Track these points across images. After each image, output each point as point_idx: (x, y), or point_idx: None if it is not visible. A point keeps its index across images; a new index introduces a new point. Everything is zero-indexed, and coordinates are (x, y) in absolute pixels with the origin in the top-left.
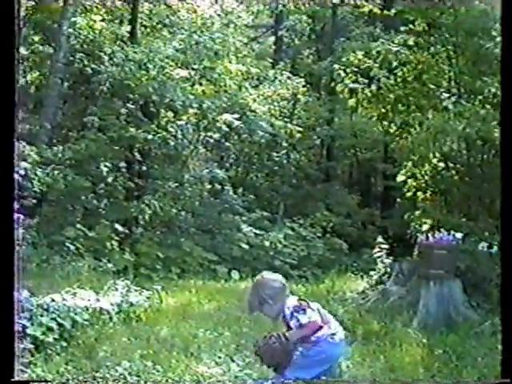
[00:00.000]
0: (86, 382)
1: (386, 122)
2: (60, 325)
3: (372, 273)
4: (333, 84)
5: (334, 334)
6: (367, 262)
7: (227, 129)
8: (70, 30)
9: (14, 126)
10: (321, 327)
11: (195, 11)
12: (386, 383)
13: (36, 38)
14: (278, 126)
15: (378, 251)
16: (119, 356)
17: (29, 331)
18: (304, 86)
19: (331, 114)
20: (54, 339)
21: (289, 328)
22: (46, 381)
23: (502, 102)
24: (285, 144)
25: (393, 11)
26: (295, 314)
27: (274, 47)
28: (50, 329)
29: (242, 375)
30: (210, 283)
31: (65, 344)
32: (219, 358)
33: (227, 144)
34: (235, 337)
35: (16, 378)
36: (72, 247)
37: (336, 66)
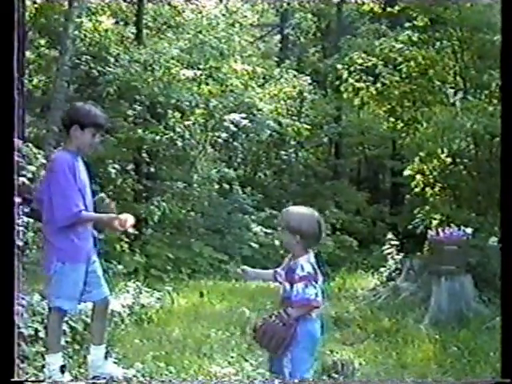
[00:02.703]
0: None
1: (392, 119)
2: (72, 328)
3: (382, 269)
4: (338, 82)
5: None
6: (377, 259)
7: (235, 128)
8: (76, 33)
9: (13, 126)
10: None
11: (200, 11)
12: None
13: (42, 42)
14: (285, 125)
15: (389, 248)
16: (131, 358)
17: (41, 335)
18: (310, 84)
19: (338, 111)
20: (67, 342)
21: (290, 280)
22: (45, 381)
23: (502, 99)
24: (292, 142)
25: (396, 8)
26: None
27: (279, 46)
28: (63, 332)
29: (255, 374)
30: (220, 283)
31: (77, 347)
32: (232, 357)
33: (235, 143)
34: (247, 336)
35: (16, 379)
36: None
37: (339, 66)
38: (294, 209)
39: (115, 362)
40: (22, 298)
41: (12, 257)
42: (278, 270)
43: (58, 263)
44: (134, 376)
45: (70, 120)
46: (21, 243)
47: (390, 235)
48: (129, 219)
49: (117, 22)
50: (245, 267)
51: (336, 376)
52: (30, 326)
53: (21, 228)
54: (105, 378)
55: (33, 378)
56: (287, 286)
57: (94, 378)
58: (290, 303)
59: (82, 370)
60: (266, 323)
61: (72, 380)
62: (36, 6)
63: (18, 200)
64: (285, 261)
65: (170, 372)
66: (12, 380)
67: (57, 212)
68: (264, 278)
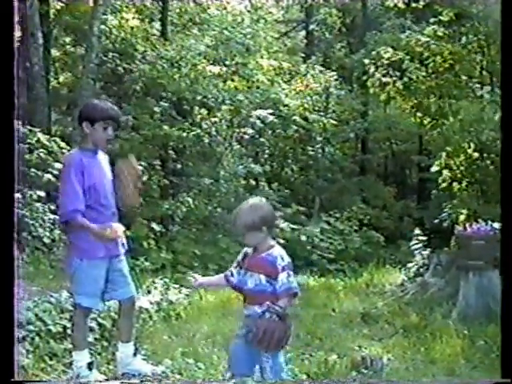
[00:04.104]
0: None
1: (419, 114)
2: (100, 325)
3: (410, 265)
4: (365, 77)
5: None
6: (405, 254)
7: (261, 124)
8: (101, 30)
9: (13, 127)
10: None
11: (225, 8)
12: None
13: (67, 40)
14: (311, 120)
15: (416, 243)
16: (160, 354)
17: (70, 332)
18: (336, 80)
19: (365, 106)
20: (95, 339)
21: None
22: (45, 381)
23: (502, 102)
24: (319, 138)
25: (421, 3)
26: (288, 272)
27: (305, 41)
28: (90, 329)
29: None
30: None
31: (106, 344)
32: None
33: (261, 139)
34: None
35: (16, 378)
36: None
37: (366, 61)
38: (242, 207)
39: (144, 359)
40: (51, 296)
41: (12, 257)
42: (233, 270)
43: (77, 260)
44: (163, 372)
45: (80, 117)
46: (48, 240)
47: (417, 230)
48: (119, 229)
49: (142, 20)
50: (195, 275)
51: (365, 371)
52: (57, 324)
53: (47, 225)
54: (134, 375)
55: (40, 378)
56: (262, 279)
57: (123, 374)
58: (270, 296)
59: (110, 367)
60: (264, 323)
61: (101, 380)
62: (61, 4)
63: (43, 195)
64: (238, 259)
65: (199, 368)
66: (12, 380)
67: (59, 209)
68: (216, 284)
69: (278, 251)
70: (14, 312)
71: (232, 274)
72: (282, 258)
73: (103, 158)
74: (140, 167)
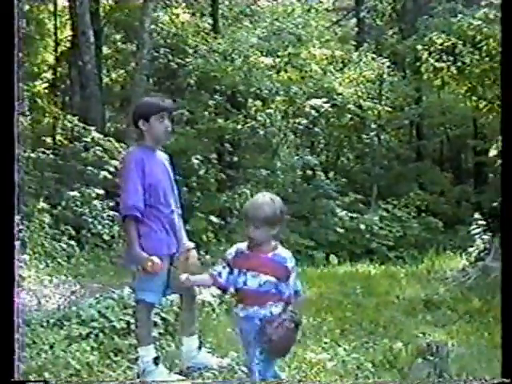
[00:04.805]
0: (87, 381)
1: (474, 98)
2: (164, 319)
3: (471, 250)
4: (418, 64)
5: None
6: (463, 240)
7: (315, 114)
8: (153, 26)
9: (13, 127)
10: None
11: None
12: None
13: (118, 37)
14: (366, 108)
15: (476, 227)
16: (225, 347)
17: (133, 327)
18: (389, 67)
19: (418, 92)
20: (160, 334)
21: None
22: (45, 381)
23: (502, 102)
24: (373, 125)
25: None
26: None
27: (356, 29)
28: (154, 324)
29: (350, 359)
30: (308, 269)
31: (170, 338)
32: (325, 343)
33: (316, 129)
34: (339, 322)
35: (16, 378)
36: None
37: (419, 47)
38: (262, 199)
39: (209, 352)
40: (113, 292)
41: (12, 257)
42: (220, 269)
43: None
44: (229, 365)
45: (134, 117)
46: (107, 237)
47: (476, 215)
48: (157, 266)
49: (193, 14)
50: (186, 275)
51: (431, 358)
52: (121, 319)
53: (106, 222)
54: (199, 369)
55: (57, 377)
56: (268, 279)
57: (188, 368)
58: (273, 297)
59: (176, 361)
60: (281, 331)
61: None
62: (110, 2)
63: (101, 193)
64: (227, 258)
65: None
66: (12, 380)
67: (119, 205)
68: (200, 284)
69: (286, 252)
70: (14, 312)
71: (220, 274)
72: (291, 259)
73: (163, 157)
74: None
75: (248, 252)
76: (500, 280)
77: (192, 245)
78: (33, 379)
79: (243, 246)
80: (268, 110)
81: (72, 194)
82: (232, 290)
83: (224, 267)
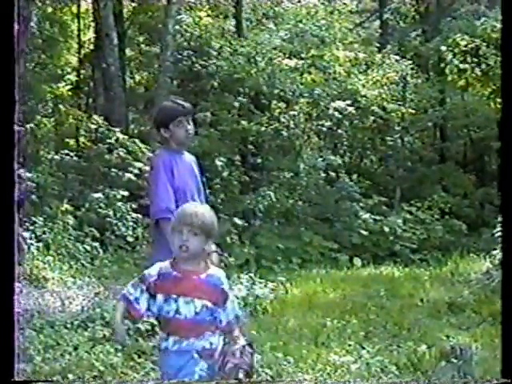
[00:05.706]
0: (87, 381)
1: (498, 100)
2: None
3: (495, 252)
4: (442, 65)
5: None
6: (487, 242)
7: (339, 116)
8: (176, 28)
9: (13, 126)
10: None
11: (299, 0)
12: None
13: (141, 39)
14: (389, 110)
15: (500, 230)
16: None
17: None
18: (412, 69)
19: (442, 94)
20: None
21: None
22: (46, 381)
23: (502, 102)
24: (397, 128)
25: None
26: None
27: (379, 31)
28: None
29: (374, 362)
30: (332, 272)
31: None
32: (349, 345)
33: (339, 131)
34: (363, 324)
35: (16, 378)
36: None
37: (443, 48)
38: (198, 207)
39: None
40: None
41: (12, 257)
42: (137, 295)
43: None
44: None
45: (156, 124)
46: (131, 239)
47: (500, 218)
48: None
49: (216, 16)
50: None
51: (455, 361)
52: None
53: (130, 224)
54: None
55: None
56: (204, 306)
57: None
58: (209, 325)
59: None
60: (236, 359)
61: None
62: (134, 4)
63: (126, 195)
64: (148, 281)
65: (288, 362)
66: (12, 380)
67: (151, 208)
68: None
69: (219, 271)
70: (14, 312)
71: (138, 301)
72: (225, 279)
73: (191, 159)
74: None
75: (176, 273)
76: (501, 281)
77: (214, 247)
78: (42, 380)
79: (166, 265)
80: (291, 112)
81: (96, 195)
82: (151, 319)
83: (142, 291)
